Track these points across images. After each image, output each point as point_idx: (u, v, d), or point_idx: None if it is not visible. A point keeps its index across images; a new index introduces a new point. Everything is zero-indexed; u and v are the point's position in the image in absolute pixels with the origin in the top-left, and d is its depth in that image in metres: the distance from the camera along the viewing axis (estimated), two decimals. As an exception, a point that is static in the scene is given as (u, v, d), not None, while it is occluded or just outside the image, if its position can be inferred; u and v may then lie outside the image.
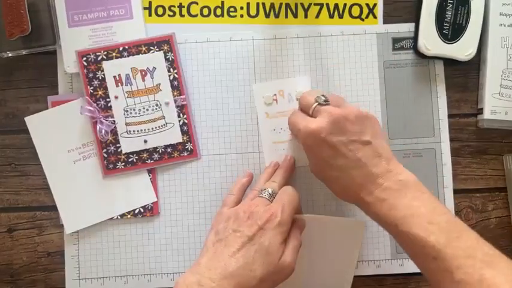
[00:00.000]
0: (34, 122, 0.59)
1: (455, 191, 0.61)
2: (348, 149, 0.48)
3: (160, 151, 0.60)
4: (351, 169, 0.48)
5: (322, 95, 0.51)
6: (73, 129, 0.59)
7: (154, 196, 0.60)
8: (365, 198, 0.48)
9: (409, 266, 0.60)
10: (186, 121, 0.60)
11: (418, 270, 0.60)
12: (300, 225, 0.53)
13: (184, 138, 0.60)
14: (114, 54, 0.59)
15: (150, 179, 0.60)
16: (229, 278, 0.46)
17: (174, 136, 0.60)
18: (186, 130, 0.60)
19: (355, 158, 0.48)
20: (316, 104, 0.51)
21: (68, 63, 0.59)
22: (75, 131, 0.59)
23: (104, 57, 0.59)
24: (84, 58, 0.59)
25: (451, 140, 0.61)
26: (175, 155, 0.60)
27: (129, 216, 0.59)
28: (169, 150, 0.60)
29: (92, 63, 0.59)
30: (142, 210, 0.59)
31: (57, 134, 0.59)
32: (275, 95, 0.61)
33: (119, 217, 0.59)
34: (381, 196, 0.47)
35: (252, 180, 0.59)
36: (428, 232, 0.44)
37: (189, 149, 0.60)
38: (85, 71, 0.59)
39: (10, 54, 0.59)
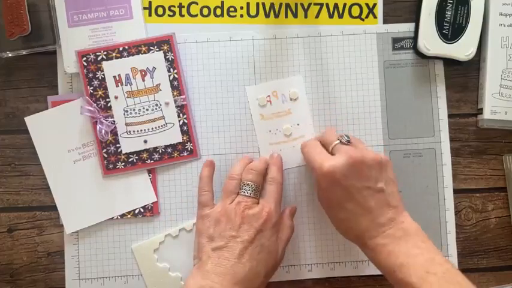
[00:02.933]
0: (34, 122, 0.59)
1: (455, 191, 0.61)
2: (361, 195, 0.48)
3: (160, 151, 0.59)
4: (359, 215, 0.48)
5: (346, 135, 0.52)
6: (73, 130, 0.59)
7: (154, 196, 0.60)
8: (367, 243, 0.49)
9: (409, 266, 0.60)
10: (186, 121, 0.60)
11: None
12: (291, 212, 0.56)
13: (184, 138, 0.60)
14: (114, 54, 0.59)
15: (150, 179, 0.60)
16: (239, 284, 0.47)
17: (174, 136, 0.60)
18: (186, 130, 0.60)
19: (366, 205, 0.48)
20: (337, 142, 0.51)
21: (68, 63, 0.59)
22: (75, 131, 0.59)
23: (104, 57, 0.59)
24: (84, 58, 0.59)
25: (451, 140, 0.61)
26: (175, 155, 0.60)
27: (129, 216, 0.59)
28: (169, 150, 0.60)
29: (91, 63, 0.59)
30: (142, 210, 0.59)
31: (57, 134, 0.59)
32: (268, 96, 0.61)
33: (119, 217, 0.59)
34: (382, 242, 0.47)
35: (214, 168, 0.57)
36: (424, 282, 0.43)
37: (189, 149, 0.60)
38: (85, 71, 0.59)
39: (10, 54, 0.59)
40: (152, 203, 0.59)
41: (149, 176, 0.60)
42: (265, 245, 0.50)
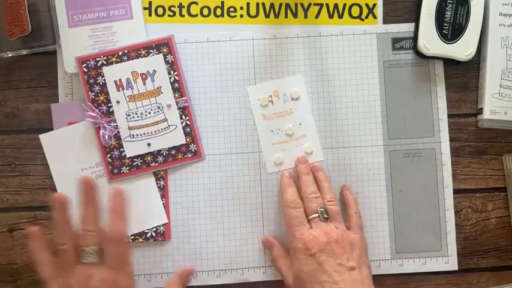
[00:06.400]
0: (48, 140, 0.59)
1: (455, 191, 0.61)
2: (334, 269, 0.51)
3: (164, 153, 0.59)
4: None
5: (325, 211, 0.55)
6: (87, 148, 0.59)
7: (165, 217, 0.59)
8: None
9: (409, 266, 0.60)
10: (188, 122, 0.60)
11: (418, 270, 0.60)
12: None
13: (188, 139, 0.60)
14: (113, 59, 0.59)
15: (163, 200, 0.60)
16: None
17: (177, 138, 0.60)
18: (189, 131, 0.60)
19: (336, 279, 0.51)
20: (316, 215, 0.54)
21: (68, 63, 0.59)
22: (89, 150, 0.59)
23: (104, 62, 0.59)
24: (84, 64, 0.59)
25: (451, 140, 0.61)
26: (180, 156, 0.60)
27: (140, 239, 0.59)
28: (173, 152, 0.60)
29: (92, 69, 0.59)
30: (154, 234, 0.59)
31: (71, 152, 0.59)
32: (270, 96, 0.61)
33: (130, 240, 0.59)
34: None
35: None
36: None
37: (193, 150, 0.60)
38: (85, 77, 0.59)
39: (10, 54, 0.59)
40: (164, 226, 0.59)
41: (160, 184, 0.59)
42: None
